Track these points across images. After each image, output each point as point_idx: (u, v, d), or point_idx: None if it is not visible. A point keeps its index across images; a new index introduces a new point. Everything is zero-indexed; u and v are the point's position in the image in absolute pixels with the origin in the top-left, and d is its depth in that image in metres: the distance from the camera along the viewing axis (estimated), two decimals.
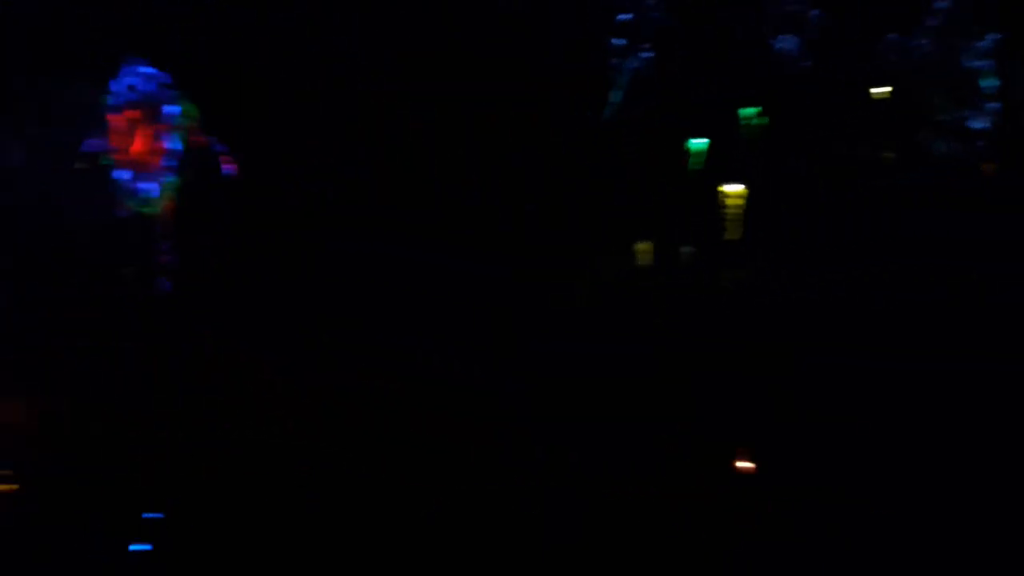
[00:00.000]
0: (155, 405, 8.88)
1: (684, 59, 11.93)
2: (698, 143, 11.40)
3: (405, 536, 7.69)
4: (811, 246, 11.25)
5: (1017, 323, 9.79)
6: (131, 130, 9.13)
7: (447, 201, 11.13)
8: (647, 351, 9.64)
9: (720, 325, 10.14)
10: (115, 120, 9.16)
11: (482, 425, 8.77)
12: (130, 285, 9.24)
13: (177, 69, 9.50)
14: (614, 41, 11.97)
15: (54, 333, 8.70)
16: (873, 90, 12.03)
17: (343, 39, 11.79)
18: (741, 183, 11.02)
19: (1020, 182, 11.71)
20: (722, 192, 11.03)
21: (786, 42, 12.14)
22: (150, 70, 9.19)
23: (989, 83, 11.67)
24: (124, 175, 9.22)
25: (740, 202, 10.91)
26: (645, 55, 11.91)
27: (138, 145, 9.15)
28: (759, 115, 11.68)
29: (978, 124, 11.64)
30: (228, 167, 9.51)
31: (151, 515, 7.77)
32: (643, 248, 10.55)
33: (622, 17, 11.94)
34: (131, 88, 9.15)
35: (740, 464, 7.73)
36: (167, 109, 9.21)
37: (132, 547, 7.44)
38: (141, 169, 9.19)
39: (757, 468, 7.63)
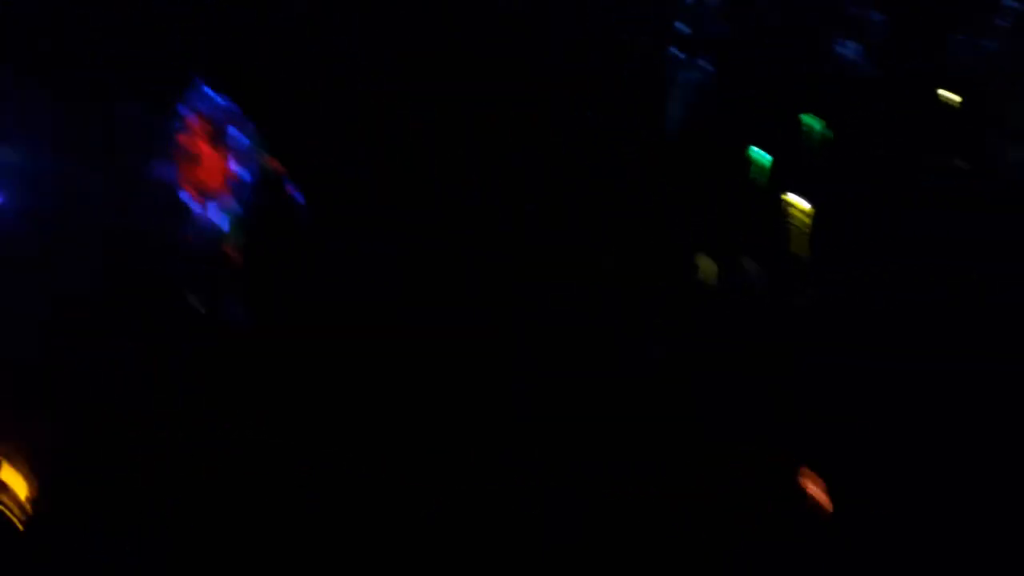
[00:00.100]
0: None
1: (743, 69, 11.72)
2: (760, 155, 11.10)
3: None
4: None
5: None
6: (199, 155, 9.04)
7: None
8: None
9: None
10: (184, 145, 9.06)
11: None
12: (199, 310, 9.20)
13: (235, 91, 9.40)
14: (672, 51, 11.77)
15: (116, 361, 8.64)
16: (942, 93, 11.67)
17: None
18: (805, 196, 10.66)
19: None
20: (787, 204, 10.74)
21: (848, 48, 11.95)
22: (216, 95, 9.09)
23: None
24: (192, 200, 9.13)
25: (806, 218, 10.56)
26: (703, 66, 11.71)
27: (207, 171, 9.05)
28: (821, 124, 11.44)
29: None
30: (296, 192, 9.43)
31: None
32: (705, 263, 10.20)
33: (679, 27, 11.75)
34: (198, 112, 9.05)
35: (808, 485, 7.55)
36: (235, 134, 9.10)
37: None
38: (210, 195, 9.09)
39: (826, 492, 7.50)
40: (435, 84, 11.60)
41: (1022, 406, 8.75)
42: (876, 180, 10.95)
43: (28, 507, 7.42)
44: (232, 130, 9.07)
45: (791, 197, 10.56)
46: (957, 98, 11.56)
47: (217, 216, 9.09)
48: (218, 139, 9.04)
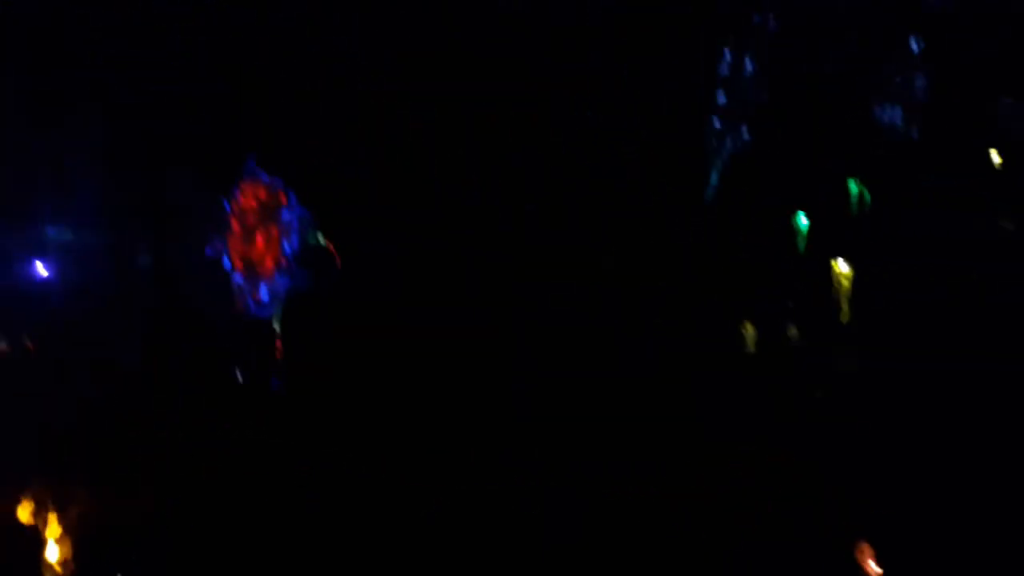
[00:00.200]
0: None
1: (784, 135, 11.65)
2: (801, 219, 11.09)
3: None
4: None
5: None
6: (251, 234, 9.05)
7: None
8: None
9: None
10: (235, 223, 9.07)
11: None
12: (243, 383, 9.22)
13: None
14: (713, 120, 11.75)
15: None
16: (991, 154, 11.61)
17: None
18: (849, 260, 10.65)
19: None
20: (833, 270, 10.70)
21: (892, 113, 11.87)
22: (267, 175, 9.10)
23: None
24: (242, 279, 9.14)
25: (848, 284, 10.57)
26: (744, 134, 11.69)
27: (257, 250, 9.06)
28: (866, 188, 11.38)
29: None
30: (335, 265, 9.44)
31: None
32: (749, 332, 10.10)
33: (720, 99, 11.71)
34: (251, 191, 9.05)
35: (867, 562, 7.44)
36: (286, 214, 9.10)
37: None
38: (260, 273, 9.10)
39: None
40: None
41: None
42: (917, 242, 10.84)
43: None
44: (285, 211, 9.11)
45: (835, 262, 10.63)
46: (1002, 160, 11.53)
47: (266, 295, 9.13)
48: (270, 219, 9.07)
